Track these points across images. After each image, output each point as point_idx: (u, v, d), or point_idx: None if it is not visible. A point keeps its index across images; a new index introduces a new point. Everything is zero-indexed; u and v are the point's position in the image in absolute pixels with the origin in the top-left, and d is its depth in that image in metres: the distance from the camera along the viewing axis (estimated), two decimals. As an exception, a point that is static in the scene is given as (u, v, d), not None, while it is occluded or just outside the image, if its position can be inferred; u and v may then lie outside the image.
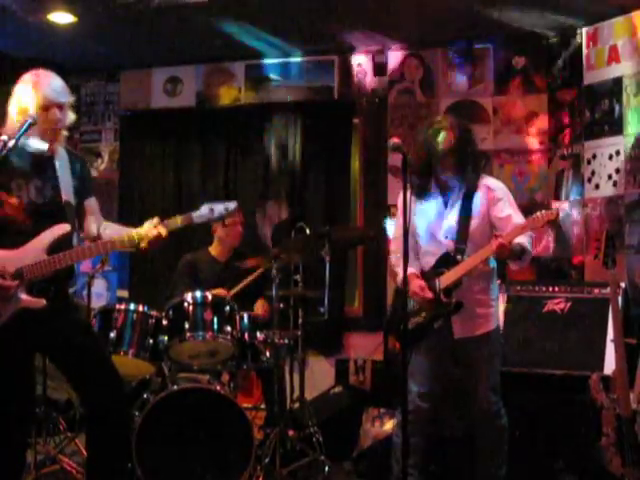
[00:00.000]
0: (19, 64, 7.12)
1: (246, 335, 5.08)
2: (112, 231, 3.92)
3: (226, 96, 7.25)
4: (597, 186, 5.95)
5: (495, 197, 4.27)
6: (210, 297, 4.95)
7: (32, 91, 3.72)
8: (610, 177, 5.84)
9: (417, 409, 4.27)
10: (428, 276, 4.25)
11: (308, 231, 5.52)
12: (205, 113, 7.31)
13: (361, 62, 6.90)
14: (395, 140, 3.72)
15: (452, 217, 4.27)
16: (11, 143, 3.52)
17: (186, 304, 4.89)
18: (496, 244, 3.97)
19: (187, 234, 7.08)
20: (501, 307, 5.27)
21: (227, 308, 4.94)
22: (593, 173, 5.98)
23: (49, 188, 3.76)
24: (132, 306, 4.92)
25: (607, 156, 5.87)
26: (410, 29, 6.31)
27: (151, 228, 3.75)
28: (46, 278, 3.65)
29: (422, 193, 4.29)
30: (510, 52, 6.50)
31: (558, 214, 4.09)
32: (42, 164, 3.77)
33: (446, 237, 4.26)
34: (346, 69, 6.94)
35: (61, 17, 6.12)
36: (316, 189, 7.02)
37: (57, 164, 3.81)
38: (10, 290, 3.57)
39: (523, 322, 5.21)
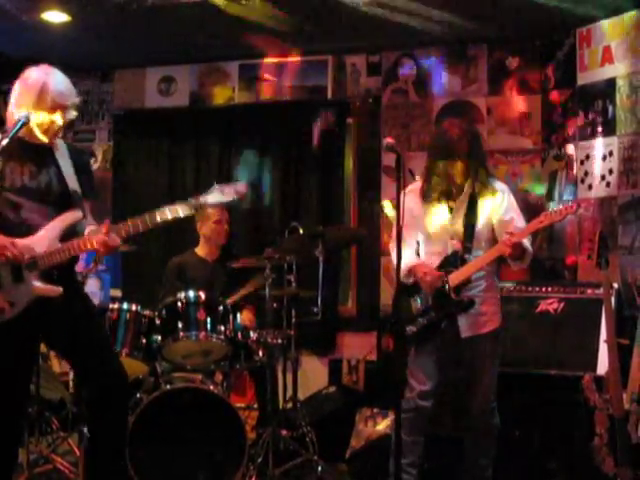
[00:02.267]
0: (12, 63, 7.15)
1: (239, 335, 5.08)
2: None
3: (220, 96, 7.24)
4: (590, 187, 5.95)
5: (500, 200, 4.33)
6: (203, 297, 4.95)
7: (40, 91, 3.70)
8: (603, 178, 5.85)
9: (418, 408, 4.31)
10: None
11: (302, 231, 5.52)
12: (199, 113, 7.30)
13: (355, 62, 6.91)
14: (389, 140, 3.74)
15: (459, 218, 4.31)
16: (4, 142, 3.53)
17: (179, 304, 4.89)
18: (511, 243, 4.02)
19: (177, 234, 7.12)
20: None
21: (220, 308, 4.94)
22: (586, 174, 5.99)
23: (45, 174, 3.75)
24: (125, 305, 4.93)
25: (600, 157, 5.88)
26: (403, 29, 6.30)
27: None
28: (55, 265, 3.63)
29: (430, 195, 4.34)
30: (504, 52, 6.50)
31: (578, 208, 4.17)
32: (39, 152, 3.76)
33: (452, 238, 4.31)
34: (340, 69, 6.94)
35: (55, 16, 6.11)
36: (310, 189, 7.02)
37: (57, 154, 3.80)
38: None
39: (516, 322, 5.21)
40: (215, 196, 3.80)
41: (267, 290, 5.16)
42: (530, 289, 5.33)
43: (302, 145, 7.04)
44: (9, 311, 3.57)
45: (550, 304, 5.19)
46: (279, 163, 7.10)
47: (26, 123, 3.61)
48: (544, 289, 5.28)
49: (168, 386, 4.75)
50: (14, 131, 3.56)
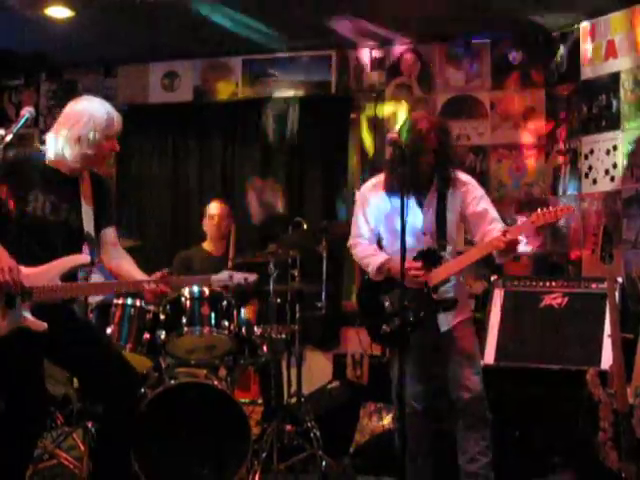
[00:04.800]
0: (16, 58, 7.16)
1: (243, 330, 5.08)
2: (126, 268, 3.87)
3: (223, 91, 7.24)
4: (594, 181, 5.95)
5: (469, 192, 4.22)
6: (207, 292, 4.95)
7: (107, 118, 3.73)
8: (607, 172, 5.85)
9: (413, 412, 4.19)
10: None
11: (306, 226, 5.52)
12: (202, 108, 7.31)
13: (359, 57, 6.90)
14: (393, 135, 3.72)
15: (430, 213, 4.21)
16: (8, 138, 3.47)
17: (183, 299, 4.88)
18: (507, 239, 3.90)
19: (181, 230, 7.14)
20: (498, 302, 5.28)
21: (224, 303, 4.94)
22: (590, 168, 5.99)
23: (66, 209, 3.70)
24: (129, 301, 4.91)
25: (604, 151, 5.87)
26: (408, 24, 6.30)
27: (157, 286, 3.72)
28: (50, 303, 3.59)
29: (396, 187, 4.12)
30: (508, 47, 6.50)
31: (573, 210, 4.09)
32: (64, 183, 3.71)
33: (424, 233, 4.21)
34: (344, 64, 6.94)
35: (58, 11, 6.12)
36: (314, 184, 7.01)
37: (80, 188, 3.76)
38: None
39: (520, 317, 5.21)
40: (222, 278, 3.88)
41: (271, 285, 5.17)
42: (534, 284, 5.32)
43: (306, 140, 7.04)
44: None
45: (554, 299, 5.18)
46: (283, 158, 7.10)
47: (30, 119, 3.59)
48: (548, 284, 5.27)
49: (172, 381, 4.74)
50: (19, 126, 3.49)
